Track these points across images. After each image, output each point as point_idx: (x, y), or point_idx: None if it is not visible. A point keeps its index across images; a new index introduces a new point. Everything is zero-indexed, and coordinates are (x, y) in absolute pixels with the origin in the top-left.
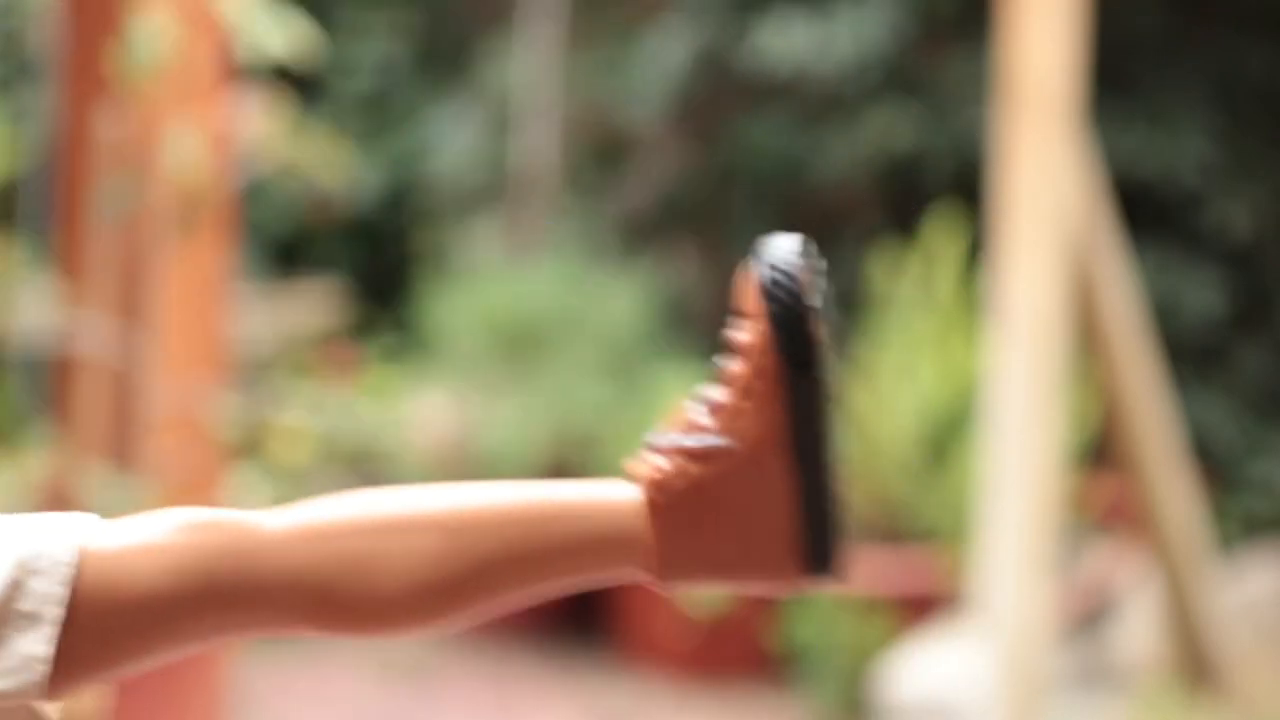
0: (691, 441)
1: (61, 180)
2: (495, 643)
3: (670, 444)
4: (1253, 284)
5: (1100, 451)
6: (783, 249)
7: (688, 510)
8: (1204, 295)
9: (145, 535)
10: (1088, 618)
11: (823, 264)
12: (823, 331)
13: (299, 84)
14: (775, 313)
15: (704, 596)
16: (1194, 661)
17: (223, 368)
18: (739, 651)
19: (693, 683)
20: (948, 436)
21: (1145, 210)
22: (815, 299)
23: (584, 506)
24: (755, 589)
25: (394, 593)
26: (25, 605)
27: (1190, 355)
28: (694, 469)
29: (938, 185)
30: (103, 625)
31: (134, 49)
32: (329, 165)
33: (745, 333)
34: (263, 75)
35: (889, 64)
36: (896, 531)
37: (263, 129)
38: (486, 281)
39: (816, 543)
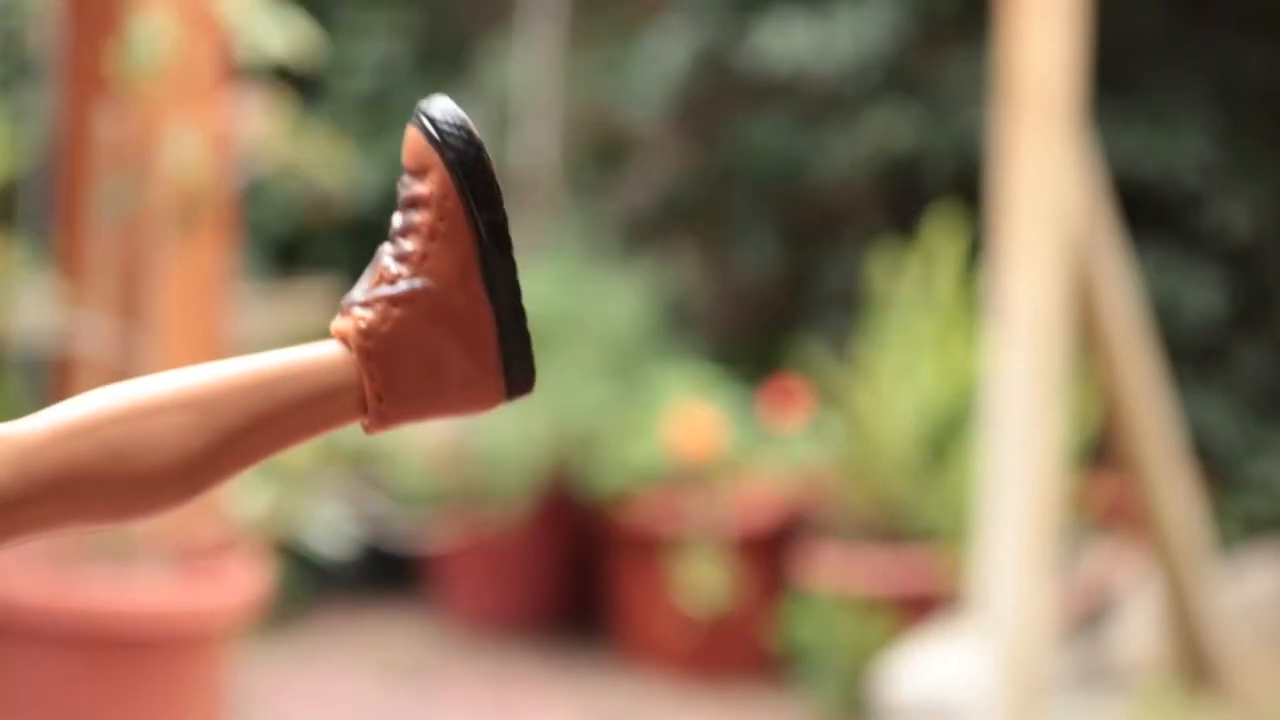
0: (390, 289)
1: (61, 180)
2: (495, 643)
3: (370, 296)
4: (1253, 284)
5: (1100, 451)
6: (442, 104)
7: (396, 352)
8: (1204, 295)
9: None
10: (1088, 618)
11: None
12: (494, 169)
13: (299, 84)
14: (452, 158)
15: (704, 597)
16: (1194, 661)
17: None
18: (739, 651)
19: (693, 683)
20: (948, 436)
21: (1145, 210)
22: (483, 141)
23: (302, 367)
24: (464, 413)
25: (156, 471)
26: None
27: (1190, 355)
28: (396, 312)
29: (938, 185)
30: None
31: (134, 49)
32: (329, 165)
33: (421, 185)
34: (263, 75)
35: (889, 64)
36: (896, 531)
37: (263, 129)
38: None
39: (515, 361)
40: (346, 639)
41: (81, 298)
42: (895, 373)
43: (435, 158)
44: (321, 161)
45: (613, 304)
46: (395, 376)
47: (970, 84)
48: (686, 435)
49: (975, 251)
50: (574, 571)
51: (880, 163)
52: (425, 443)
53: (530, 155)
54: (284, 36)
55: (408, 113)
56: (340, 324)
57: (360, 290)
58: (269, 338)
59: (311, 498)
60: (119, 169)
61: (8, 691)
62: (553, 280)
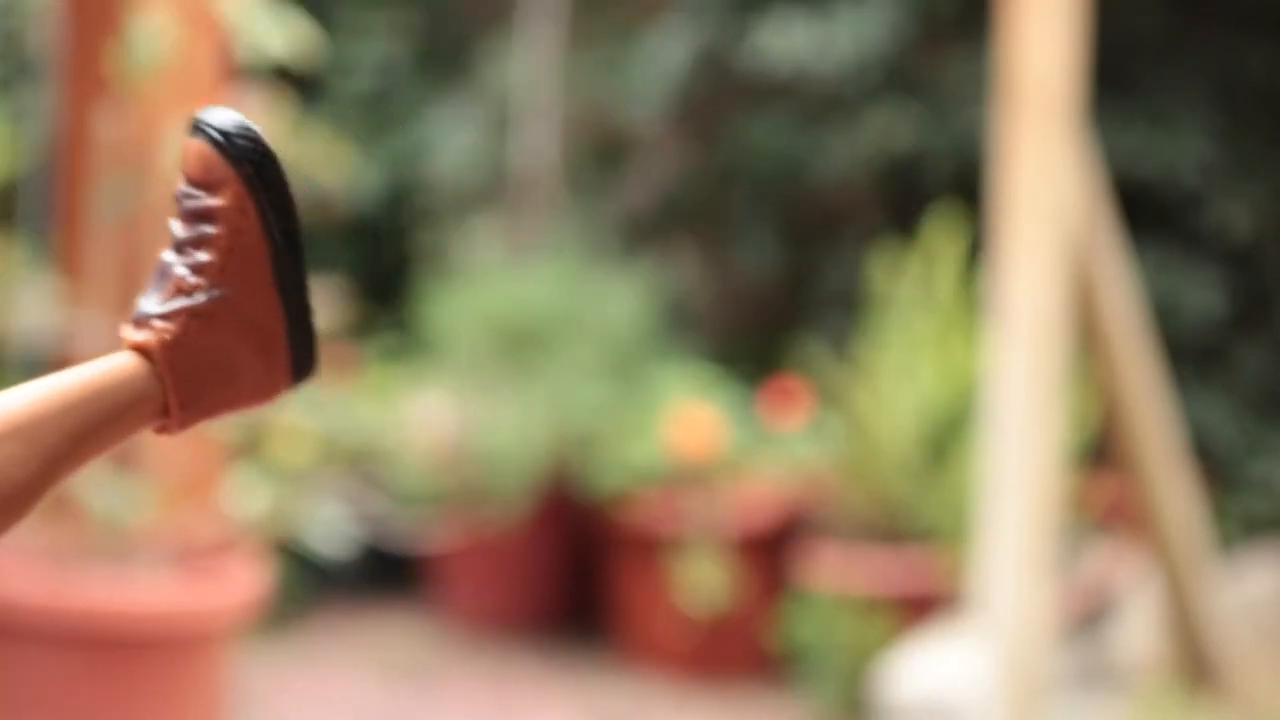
0: (189, 301)
1: (61, 180)
2: (495, 643)
3: (170, 309)
4: (1253, 284)
5: (1100, 451)
6: (226, 115)
7: (197, 362)
8: (1204, 295)
9: None
10: (1088, 618)
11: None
12: (285, 174)
13: (299, 84)
14: (249, 174)
15: (704, 597)
16: (1194, 661)
17: None
18: (739, 651)
19: (693, 683)
20: (948, 436)
21: (1145, 210)
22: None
23: (107, 383)
24: (252, 407)
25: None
26: None
27: (1190, 355)
28: (197, 325)
29: (938, 185)
30: None
31: (134, 49)
32: (329, 165)
33: (214, 199)
34: (263, 75)
35: (889, 64)
36: (896, 531)
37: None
38: (486, 281)
39: (302, 356)
40: (346, 639)
41: (81, 298)
42: (895, 373)
43: (230, 172)
44: (321, 162)
45: (613, 304)
46: (195, 384)
47: (970, 84)
48: (686, 435)
49: (975, 251)
50: (574, 571)
51: (880, 163)
52: (425, 443)
53: (530, 155)
54: (284, 36)
55: (408, 113)
56: (138, 337)
57: (155, 302)
58: None
59: (311, 498)
60: (119, 169)
61: (8, 691)
62: (553, 280)
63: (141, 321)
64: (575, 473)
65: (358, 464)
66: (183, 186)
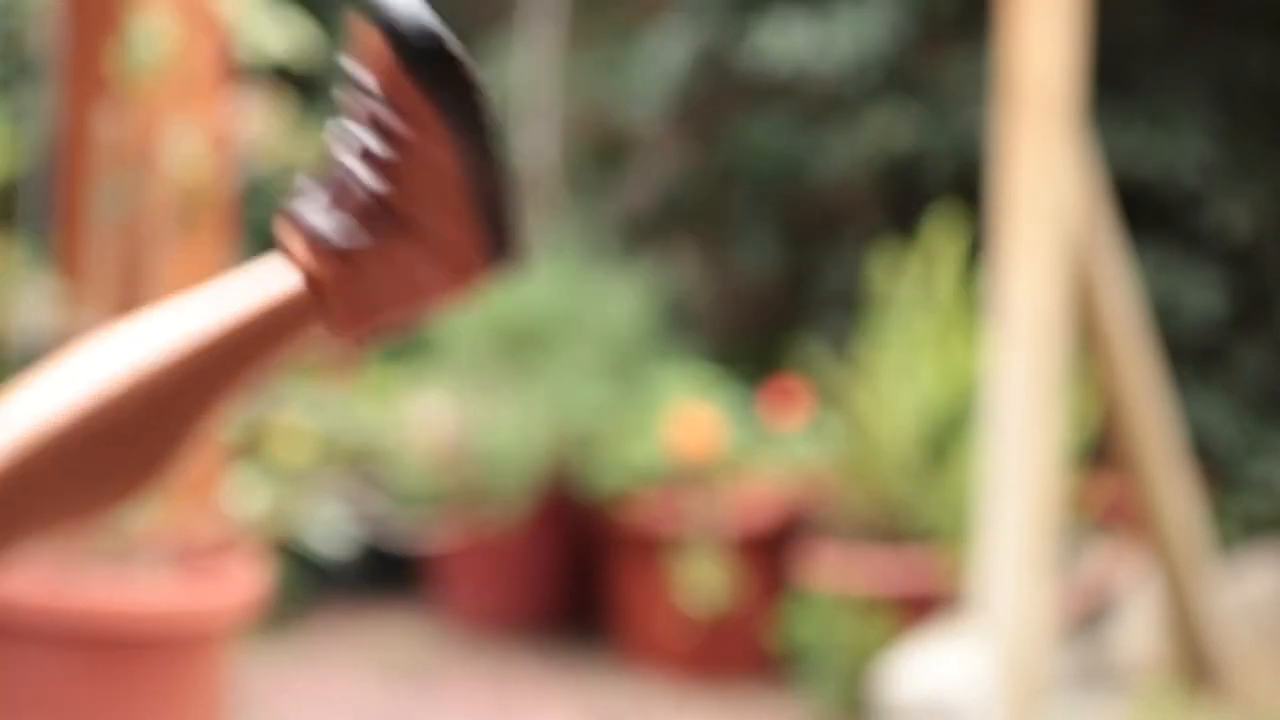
0: (371, 230)
1: (61, 180)
2: (495, 643)
3: (347, 235)
4: (1253, 284)
5: (1100, 451)
6: (415, 16)
7: (375, 286)
8: (1204, 295)
9: None
10: (1088, 618)
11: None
12: (482, 95)
13: (299, 84)
14: (448, 102)
15: (704, 597)
16: (1194, 661)
17: None
18: (739, 651)
19: (693, 683)
20: (948, 436)
21: (1145, 210)
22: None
23: (272, 322)
24: (447, 297)
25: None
26: None
27: (1190, 355)
28: (377, 256)
29: (938, 185)
30: None
31: (134, 49)
32: None
33: (405, 125)
34: (263, 75)
35: (889, 64)
36: (896, 531)
37: (263, 129)
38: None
39: (499, 233)
40: (346, 639)
41: (81, 298)
42: (895, 373)
43: (429, 111)
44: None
45: (613, 304)
46: (370, 309)
47: (970, 84)
48: (686, 435)
49: (975, 251)
50: (574, 571)
51: (880, 163)
52: (425, 443)
53: (530, 155)
54: (284, 36)
55: None
56: (313, 266)
57: (330, 220)
58: None
59: (311, 498)
60: (119, 169)
61: (8, 691)
62: (553, 280)
63: (314, 240)
64: (575, 473)
65: (358, 464)
66: (368, 86)
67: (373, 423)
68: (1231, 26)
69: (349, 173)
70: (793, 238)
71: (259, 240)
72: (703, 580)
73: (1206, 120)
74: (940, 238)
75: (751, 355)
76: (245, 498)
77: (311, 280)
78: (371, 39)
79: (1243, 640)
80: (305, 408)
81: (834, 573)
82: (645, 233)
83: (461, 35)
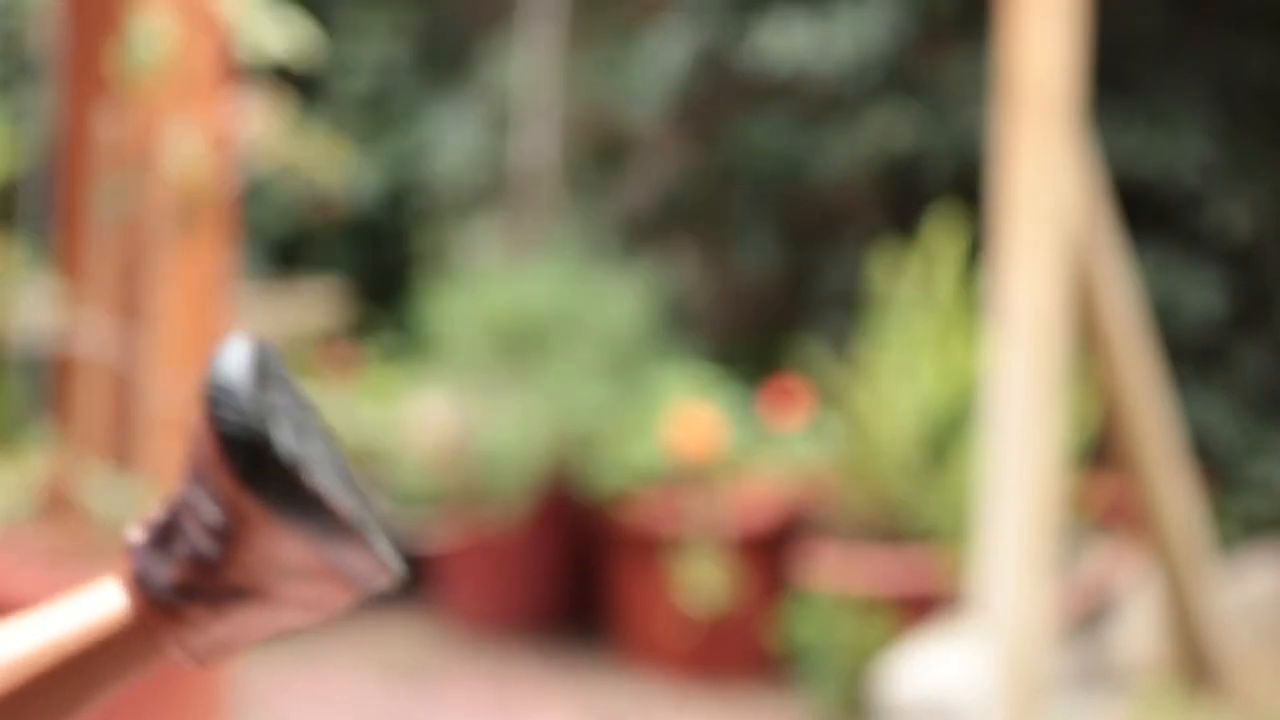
0: (209, 590)
1: (61, 180)
2: (495, 643)
3: (182, 591)
4: (1253, 284)
5: (1100, 451)
6: (240, 403)
7: (217, 637)
8: (1204, 295)
9: None
10: (1088, 618)
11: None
12: (285, 443)
13: (299, 84)
14: (277, 504)
15: (704, 597)
16: (1194, 661)
17: None
18: (739, 651)
19: (693, 683)
20: (948, 436)
21: (1145, 210)
22: (268, 419)
23: (108, 653)
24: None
25: None
26: None
27: (1190, 355)
28: (215, 614)
29: (938, 185)
30: None
31: (134, 49)
32: (329, 165)
33: (234, 525)
34: (263, 75)
35: (889, 64)
36: (896, 531)
37: (263, 129)
38: (486, 281)
39: (365, 566)
40: (346, 639)
41: (81, 298)
42: (895, 373)
43: (249, 503)
44: (321, 162)
45: (613, 304)
46: (216, 651)
47: (970, 84)
48: (686, 435)
49: (975, 251)
50: (574, 571)
51: (880, 163)
52: (425, 443)
53: (530, 155)
54: (284, 36)
55: (408, 113)
56: (144, 610)
57: (164, 566)
58: (269, 337)
59: None
60: (119, 169)
61: None
62: (553, 280)
63: (142, 587)
64: (575, 473)
65: (358, 464)
66: (198, 471)
67: (373, 423)
68: (1231, 26)
69: (178, 518)
70: (793, 238)
71: (259, 240)
72: (703, 580)
73: (1206, 120)
74: (940, 238)
75: (751, 355)
76: None
77: (141, 621)
78: (207, 438)
79: (1243, 640)
80: None
81: (834, 573)
82: (645, 233)
83: (461, 35)
